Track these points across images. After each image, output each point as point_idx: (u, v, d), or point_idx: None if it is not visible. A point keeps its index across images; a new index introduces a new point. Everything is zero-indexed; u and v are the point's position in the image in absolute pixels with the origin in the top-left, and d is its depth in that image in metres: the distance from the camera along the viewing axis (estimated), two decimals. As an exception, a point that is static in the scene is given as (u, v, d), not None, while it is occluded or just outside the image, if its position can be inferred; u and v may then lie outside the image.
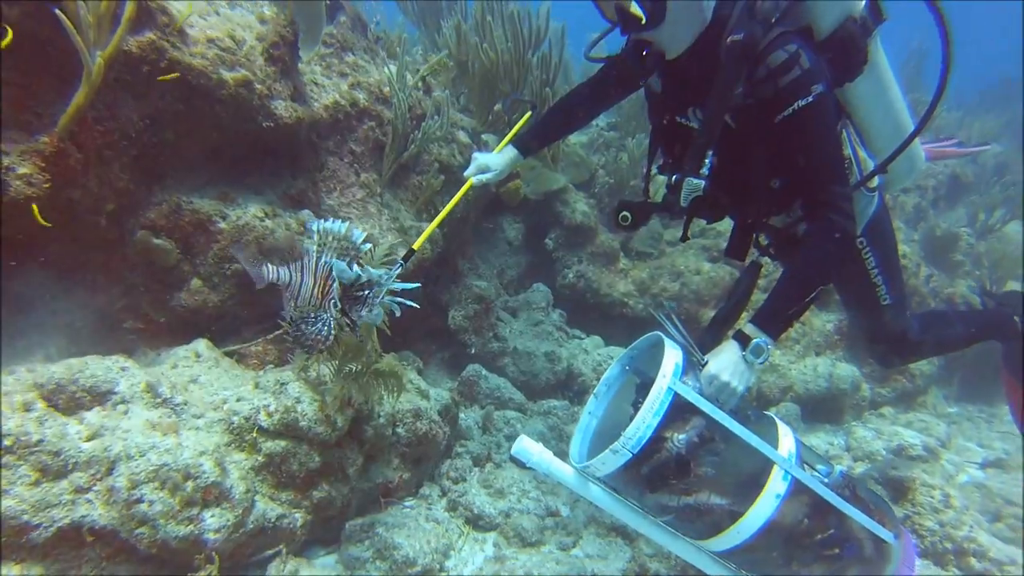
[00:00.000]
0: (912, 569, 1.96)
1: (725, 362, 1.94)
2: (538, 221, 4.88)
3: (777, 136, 2.03)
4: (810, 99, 1.95)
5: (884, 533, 1.95)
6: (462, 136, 3.75)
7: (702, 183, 2.14)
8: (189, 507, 2.18)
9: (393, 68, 3.68)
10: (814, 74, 1.95)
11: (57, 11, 2.00)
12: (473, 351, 4.03)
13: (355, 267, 2.04)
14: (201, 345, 2.68)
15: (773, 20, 2.01)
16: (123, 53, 2.30)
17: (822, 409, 4.60)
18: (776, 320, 2.02)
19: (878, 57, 2.25)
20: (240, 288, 2.82)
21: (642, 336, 2.16)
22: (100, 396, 2.28)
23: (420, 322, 3.92)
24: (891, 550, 1.98)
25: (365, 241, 2.10)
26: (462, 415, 3.60)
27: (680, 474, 1.88)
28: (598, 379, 4.11)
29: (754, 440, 1.87)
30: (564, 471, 1.99)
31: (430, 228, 2.37)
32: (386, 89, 3.40)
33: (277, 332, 2.89)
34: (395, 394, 2.71)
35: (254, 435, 2.40)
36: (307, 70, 3.09)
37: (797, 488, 1.87)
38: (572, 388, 4.16)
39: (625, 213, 2.42)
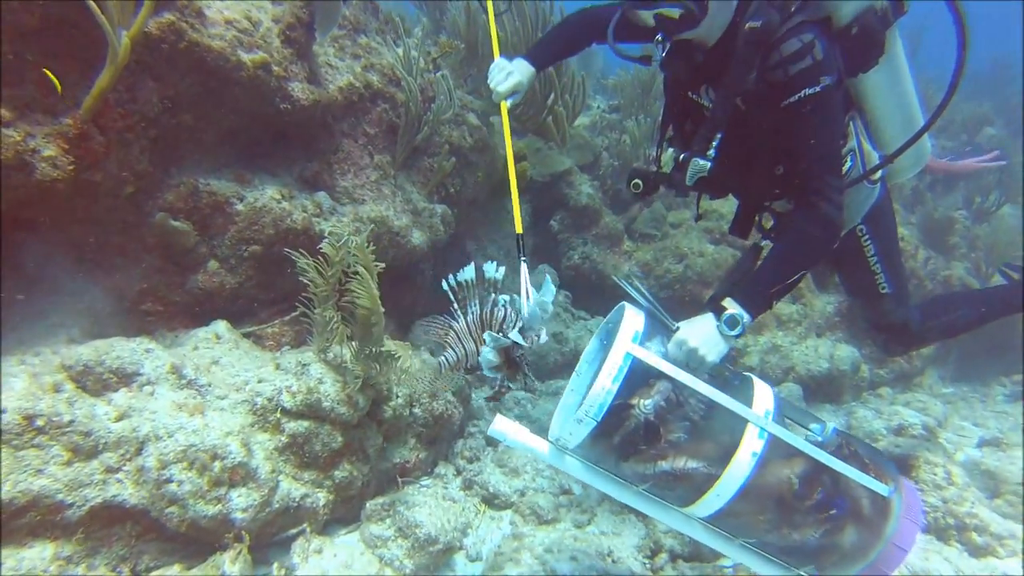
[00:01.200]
0: (918, 520, 1.93)
1: (696, 330, 1.93)
2: (543, 203, 4.90)
3: (782, 121, 2.07)
4: (817, 88, 1.98)
5: (879, 487, 1.89)
6: (472, 118, 3.75)
7: (708, 164, 2.18)
8: (217, 487, 2.21)
9: (403, 51, 3.68)
10: (825, 66, 1.98)
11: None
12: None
13: (509, 321, 1.98)
14: (221, 327, 2.70)
15: (793, 8, 2.05)
16: (143, 34, 2.29)
17: (823, 390, 4.68)
18: (756, 297, 2.02)
19: (895, 49, 2.28)
20: (257, 270, 2.83)
21: (615, 308, 2.13)
22: (127, 377, 2.30)
23: (431, 304, 3.94)
24: (890, 504, 1.92)
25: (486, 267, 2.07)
26: (473, 395, 3.64)
27: (651, 440, 1.86)
28: (605, 359, 4.16)
29: (723, 398, 1.83)
30: (540, 447, 1.98)
31: (516, 210, 2.29)
32: (399, 71, 3.39)
33: (294, 313, 2.90)
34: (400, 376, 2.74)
35: (277, 416, 2.43)
36: (321, 52, 3.08)
37: (780, 447, 1.84)
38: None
39: (637, 180, 2.45)
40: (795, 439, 1.86)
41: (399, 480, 2.90)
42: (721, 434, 1.86)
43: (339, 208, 3.06)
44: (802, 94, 1.98)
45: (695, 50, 2.08)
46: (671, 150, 2.48)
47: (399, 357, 2.71)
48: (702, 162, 2.18)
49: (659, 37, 2.05)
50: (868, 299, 2.71)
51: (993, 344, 6.37)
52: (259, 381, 2.48)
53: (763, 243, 2.54)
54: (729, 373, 2.00)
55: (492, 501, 3.05)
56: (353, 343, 2.64)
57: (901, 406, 4.54)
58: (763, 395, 1.90)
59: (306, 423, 2.48)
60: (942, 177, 7.88)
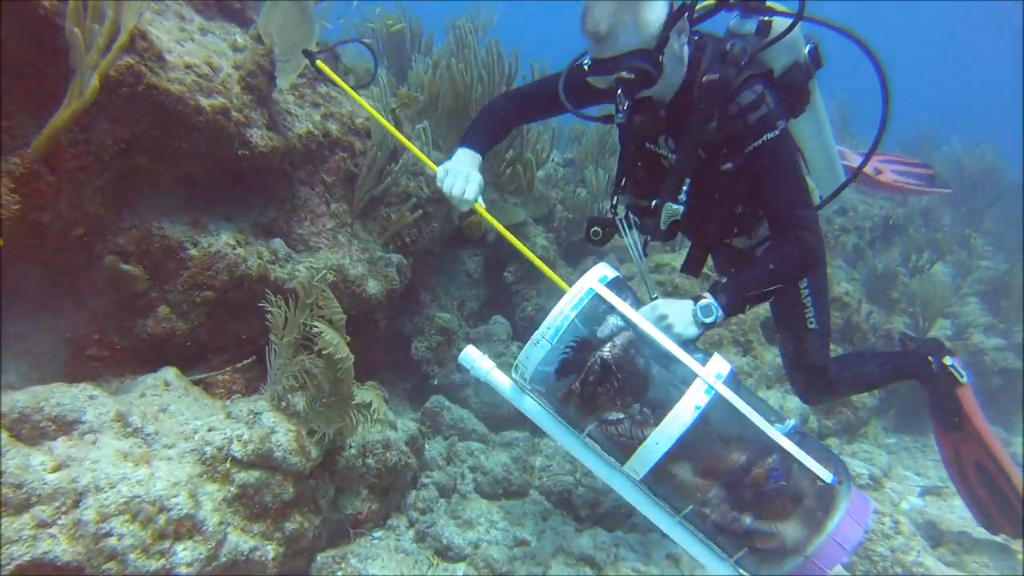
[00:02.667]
0: (863, 521, 1.90)
1: (673, 304, 2.04)
2: (498, 254, 4.93)
3: (746, 166, 2.24)
4: (776, 132, 2.19)
5: (823, 473, 1.85)
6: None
7: (680, 208, 2.33)
8: (161, 540, 2.12)
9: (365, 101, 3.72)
10: (777, 112, 2.20)
11: (71, 29, 1.99)
12: (436, 382, 4.03)
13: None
14: (170, 373, 2.63)
15: (743, 63, 2.21)
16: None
17: (772, 441, 4.73)
18: (732, 296, 2.14)
19: (817, 98, 2.56)
20: (209, 316, 2.78)
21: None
22: (67, 425, 2.21)
23: (382, 353, 3.90)
24: (835, 499, 1.91)
25: None
26: (426, 446, 3.59)
27: (604, 382, 1.89)
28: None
29: (675, 349, 1.88)
30: (501, 381, 2.05)
31: (528, 254, 2.39)
32: (358, 120, 3.42)
33: (246, 360, 2.85)
34: (374, 424, 2.70)
35: (227, 466, 2.36)
36: (281, 99, 3.10)
37: (727, 412, 1.86)
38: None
39: (596, 228, 2.58)
40: (741, 404, 1.85)
41: (351, 532, 2.83)
42: (669, 388, 1.89)
43: (295, 255, 3.04)
44: (764, 139, 2.18)
45: (656, 105, 2.21)
46: (619, 197, 2.64)
47: (373, 407, 2.68)
48: (675, 207, 2.33)
49: (619, 94, 2.13)
50: (795, 332, 2.80)
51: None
52: (209, 430, 2.41)
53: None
54: (692, 347, 2.03)
55: (445, 553, 2.98)
56: (308, 392, 2.59)
57: (848, 457, 4.63)
58: (720, 364, 1.91)
59: (257, 473, 2.41)
60: (880, 234, 8.21)
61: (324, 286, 2.48)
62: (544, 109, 2.68)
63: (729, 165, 2.26)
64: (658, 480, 1.90)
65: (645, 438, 1.84)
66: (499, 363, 4.19)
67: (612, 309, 1.92)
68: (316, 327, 2.45)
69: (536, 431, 4.13)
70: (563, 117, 2.83)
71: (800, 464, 1.86)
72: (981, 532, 3.91)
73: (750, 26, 2.34)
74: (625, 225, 2.47)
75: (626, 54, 2.05)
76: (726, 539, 1.93)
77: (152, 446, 2.28)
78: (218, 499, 2.31)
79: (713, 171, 2.31)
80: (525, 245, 4.74)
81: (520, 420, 4.12)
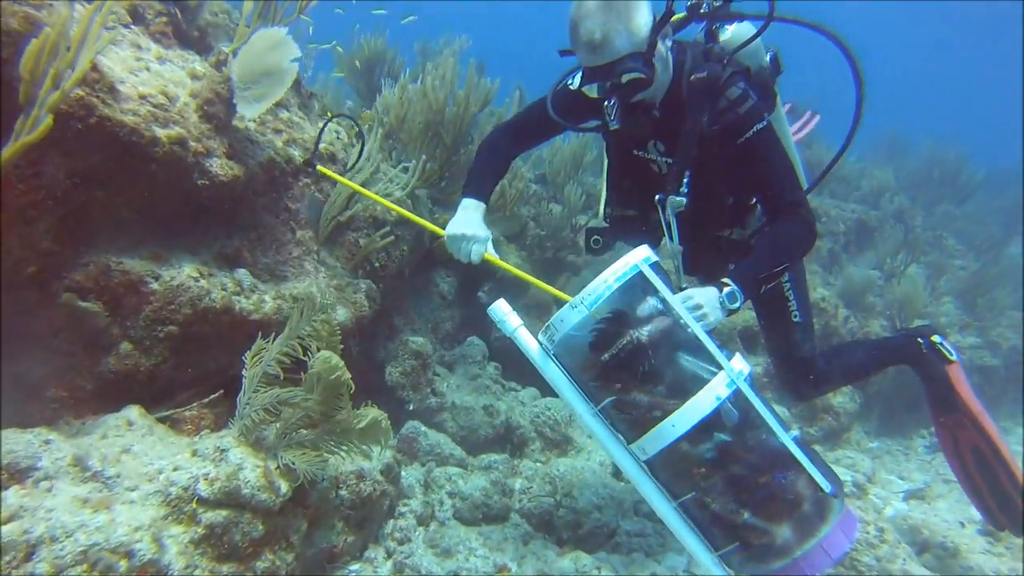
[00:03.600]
0: (850, 535, 1.98)
1: (702, 292, 2.12)
2: (471, 274, 4.90)
3: (738, 157, 2.42)
4: (764, 123, 2.37)
5: (823, 482, 1.94)
6: (396, 192, 3.75)
7: (684, 200, 2.45)
8: (124, 588, 2.05)
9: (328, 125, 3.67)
10: (762, 105, 2.41)
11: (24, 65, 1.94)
12: (411, 407, 3.97)
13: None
14: (133, 412, 2.55)
15: (726, 61, 2.40)
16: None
17: (754, 451, 4.72)
18: (749, 280, 2.24)
19: (778, 102, 2.76)
20: (174, 351, 2.71)
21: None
22: (20, 473, 2.12)
23: (355, 380, 3.83)
24: (828, 508, 1.98)
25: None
26: (403, 473, 3.53)
27: (635, 362, 1.92)
28: (536, 431, 4.13)
29: (707, 341, 1.96)
30: (528, 341, 2.06)
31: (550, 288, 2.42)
32: (321, 145, 3.38)
33: (214, 395, 2.78)
34: (380, 446, 2.68)
35: (193, 506, 2.28)
36: (241, 126, 3.05)
37: (743, 408, 1.94)
38: (511, 441, 4.13)
39: (596, 237, 2.79)
40: (758, 403, 1.94)
41: (326, 566, 2.76)
42: (693, 375, 1.96)
43: (260, 286, 2.98)
44: (754, 129, 2.36)
45: (650, 108, 2.34)
46: (611, 208, 2.82)
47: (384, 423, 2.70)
48: (678, 199, 2.45)
49: (607, 104, 2.28)
50: (780, 327, 2.90)
51: (912, 399, 6.61)
52: (174, 469, 2.34)
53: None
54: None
55: (425, 585, 2.92)
56: (278, 424, 2.53)
57: (831, 463, 4.61)
58: (741, 363, 2.00)
59: (225, 512, 2.34)
60: (854, 238, 8.27)
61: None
62: (539, 134, 2.83)
63: (721, 158, 2.44)
64: (665, 463, 1.96)
65: (662, 419, 1.89)
66: (474, 385, 4.19)
67: (652, 290, 1.98)
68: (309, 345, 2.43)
69: (516, 452, 4.09)
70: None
71: (804, 471, 1.95)
72: (965, 536, 3.92)
73: (699, 34, 2.60)
74: (661, 209, 2.53)
75: (621, 59, 2.17)
76: (720, 530, 1.97)
77: (113, 490, 2.20)
78: (184, 541, 2.24)
79: (708, 164, 2.47)
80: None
81: (498, 442, 4.08)
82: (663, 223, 2.57)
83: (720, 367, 1.94)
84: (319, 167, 2.89)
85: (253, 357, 2.54)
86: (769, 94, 2.65)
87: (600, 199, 2.98)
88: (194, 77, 2.89)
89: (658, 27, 2.21)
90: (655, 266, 2.03)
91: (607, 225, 2.85)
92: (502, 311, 2.09)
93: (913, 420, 6.61)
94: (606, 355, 1.94)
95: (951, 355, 3.02)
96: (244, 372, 2.53)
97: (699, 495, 1.96)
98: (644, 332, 1.92)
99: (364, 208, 3.38)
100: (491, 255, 2.54)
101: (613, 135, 2.62)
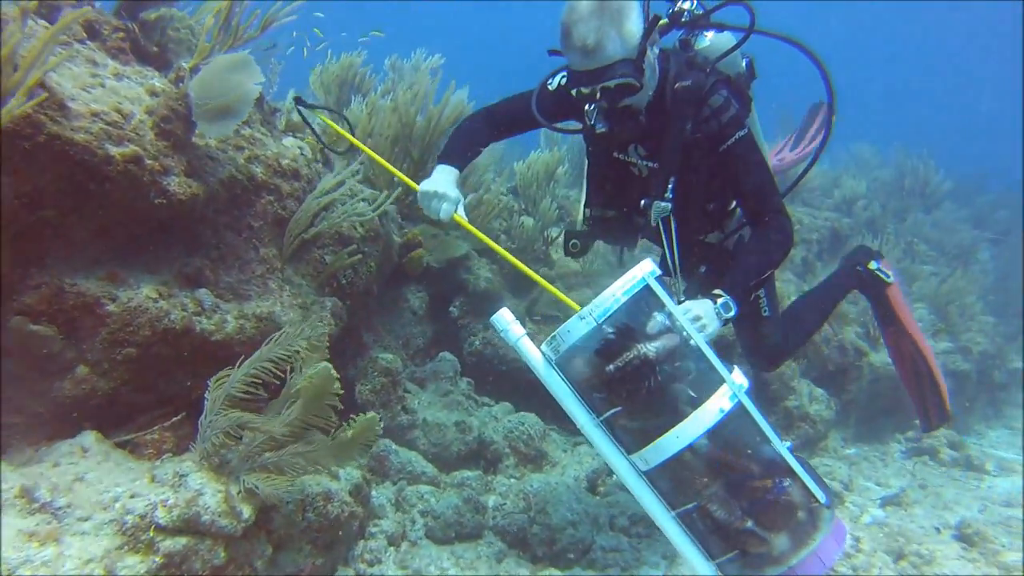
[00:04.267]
0: (841, 543, 2.05)
1: (700, 304, 2.18)
2: (442, 289, 4.86)
3: (720, 164, 2.50)
4: (744, 131, 2.45)
5: (818, 492, 2.02)
6: (362, 207, 3.71)
7: (668, 205, 2.52)
8: (74, 624, 1.97)
9: (289, 140, 3.63)
10: (743, 113, 2.49)
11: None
12: (382, 425, 3.91)
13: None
14: (88, 438, 2.48)
15: (708, 69, 2.47)
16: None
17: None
18: (740, 289, 2.33)
19: (752, 107, 2.84)
20: (133, 374, 2.64)
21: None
22: (-34, 506, 2.06)
23: (326, 398, 3.78)
24: (821, 517, 2.04)
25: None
26: (374, 493, 3.47)
27: (642, 376, 1.93)
28: (510, 446, 4.09)
29: (711, 354, 2.00)
30: (531, 351, 2.03)
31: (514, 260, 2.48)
32: (284, 162, 3.33)
33: (176, 417, 2.72)
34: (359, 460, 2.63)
35: (151, 534, 2.22)
36: (201, 143, 2.99)
37: (744, 420, 1.98)
38: (485, 457, 4.09)
39: (575, 241, 2.84)
40: (759, 416, 2.00)
41: (293, 592, 2.69)
42: (698, 389, 1.98)
43: (222, 305, 2.92)
44: (735, 137, 2.43)
45: (637, 113, 2.39)
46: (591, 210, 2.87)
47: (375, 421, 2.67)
48: (663, 204, 2.52)
49: (589, 107, 2.32)
50: (751, 323, 2.99)
51: (887, 405, 6.68)
52: (131, 496, 2.27)
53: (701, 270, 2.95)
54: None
55: (395, 608, 2.87)
56: (239, 447, 2.48)
57: (806, 473, 4.61)
58: (740, 376, 2.04)
59: (184, 540, 2.27)
60: (827, 246, 8.34)
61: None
62: (516, 127, 2.85)
63: (703, 164, 2.51)
64: (668, 473, 1.98)
65: (666, 431, 1.91)
66: (446, 401, 4.14)
67: (658, 303, 2.01)
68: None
69: (490, 468, 4.04)
70: (508, 146, 2.96)
71: (799, 480, 2.01)
72: (940, 541, 3.92)
73: (673, 42, 2.64)
74: (663, 226, 2.60)
75: (613, 64, 2.21)
76: (720, 539, 1.99)
77: (63, 521, 2.13)
78: (140, 572, 2.16)
79: (690, 170, 2.54)
80: (468, 278, 4.73)
81: (471, 458, 4.03)
82: (643, 226, 2.68)
83: (723, 379, 1.99)
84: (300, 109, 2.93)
85: (217, 380, 2.48)
86: (745, 100, 2.74)
87: (580, 201, 3.04)
88: (152, 94, 2.84)
89: (647, 34, 2.25)
90: (659, 280, 2.06)
91: (586, 228, 2.90)
92: (505, 320, 2.06)
93: (890, 425, 6.67)
94: (612, 366, 1.94)
95: (889, 278, 3.34)
96: (207, 394, 2.48)
97: (702, 503, 1.99)
98: (652, 348, 1.94)
99: (330, 225, 3.33)
100: (460, 217, 2.55)
101: (594, 138, 2.64)
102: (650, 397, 1.97)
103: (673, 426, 1.91)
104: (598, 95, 2.30)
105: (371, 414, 2.73)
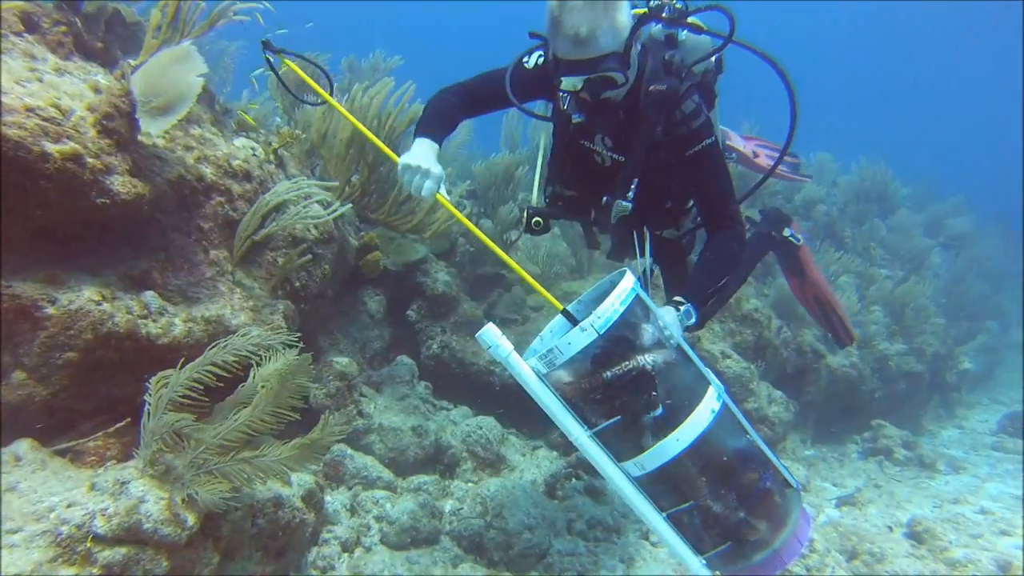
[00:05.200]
0: (808, 521, 2.17)
1: (665, 312, 2.18)
2: (399, 293, 4.82)
3: (684, 166, 2.53)
4: (712, 139, 2.50)
5: (791, 478, 2.17)
6: (316, 209, 3.65)
7: (629, 205, 2.57)
8: (4, 639, 1.90)
9: (240, 141, 3.56)
10: (712, 120, 2.56)
11: None
12: (342, 429, 3.85)
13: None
14: (23, 447, 2.40)
15: (684, 74, 2.48)
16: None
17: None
18: (699, 297, 2.38)
19: (717, 101, 2.94)
20: (75, 379, 2.56)
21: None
22: None
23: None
24: (793, 500, 2.18)
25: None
26: (328, 498, 3.42)
27: (640, 389, 1.97)
28: (468, 451, 4.06)
29: (697, 360, 2.09)
30: (521, 367, 1.97)
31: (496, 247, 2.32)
32: (235, 163, 3.27)
33: (120, 423, 2.64)
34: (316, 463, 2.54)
35: (88, 544, 2.14)
36: (148, 142, 2.92)
37: (728, 418, 2.09)
38: (442, 461, 4.05)
39: (538, 219, 2.79)
40: (740, 414, 2.13)
41: (241, 602, 2.63)
42: (690, 393, 2.05)
43: (169, 308, 2.85)
44: (703, 144, 2.48)
45: (616, 107, 2.40)
46: (550, 189, 2.89)
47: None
48: (624, 204, 2.57)
49: (563, 94, 2.38)
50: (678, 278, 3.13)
51: (844, 407, 6.79)
52: (67, 506, 2.20)
53: (653, 267, 3.05)
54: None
55: (346, 616, 2.82)
56: (187, 453, 2.41)
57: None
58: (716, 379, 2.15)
59: (124, 549, 2.20)
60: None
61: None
62: (487, 104, 2.81)
63: (668, 166, 2.55)
64: (660, 477, 2.02)
65: (663, 437, 1.96)
66: (403, 406, 4.10)
67: (645, 311, 2.04)
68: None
69: (447, 472, 4.01)
70: (470, 148, 2.94)
71: (775, 468, 2.15)
72: (892, 539, 3.98)
73: (658, 34, 2.64)
74: (637, 236, 2.76)
75: (604, 56, 2.20)
76: (715, 533, 2.07)
77: (-7, 532, 2.05)
78: (77, 583, 2.10)
79: (654, 170, 2.57)
80: (426, 281, 4.69)
81: (428, 463, 3.99)
82: (601, 220, 2.76)
83: (708, 383, 2.08)
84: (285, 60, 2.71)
85: (158, 382, 2.41)
86: (710, 95, 2.83)
87: (535, 180, 3.05)
88: (96, 90, 2.76)
89: (635, 29, 2.26)
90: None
91: (547, 206, 2.90)
92: (493, 336, 1.96)
93: (847, 427, 6.78)
94: (609, 374, 1.96)
95: (799, 242, 3.64)
96: (146, 397, 2.40)
97: (700, 501, 2.04)
98: (649, 359, 1.98)
99: (280, 226, 3.27)
100: (443, 196, 2.40)
101: (560, 122, 2.68)
102: (648, 406, 1.99)
103: (672, 430, 1.97)
104: (580, 86, 2.29)
105: (325, 416, 2.68)
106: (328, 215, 3.51)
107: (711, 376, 2.09)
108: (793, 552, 2.09)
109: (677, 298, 2.33)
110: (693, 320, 2.29)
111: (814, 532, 3.91)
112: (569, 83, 2.30)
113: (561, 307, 2.12)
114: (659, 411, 2.00)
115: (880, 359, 7.24)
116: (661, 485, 2.04)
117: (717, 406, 2.03)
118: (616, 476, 2.02)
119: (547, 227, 2.84)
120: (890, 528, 4.27)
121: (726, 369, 5.44)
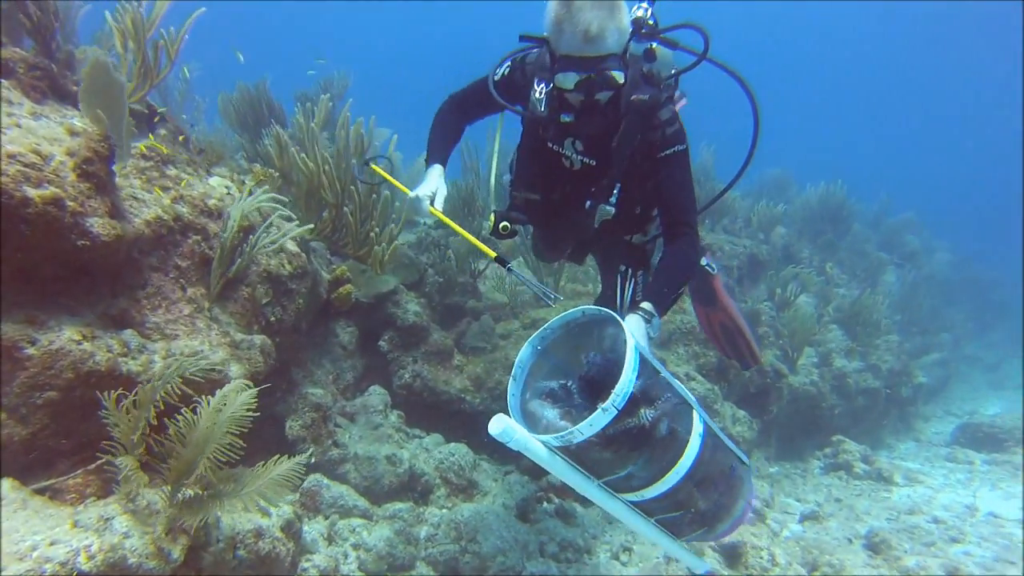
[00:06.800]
0: (754, 495, 2.41)
1: (634, 327, 2.26)
2: (371, 324, 4.90)
3: (654, 170, 2.64)
4: (684, 147, 2.64)
5: (743, 456, 2.35)
6: (290, 245, 3.75)
7: (612, 210, 2.70)
8: None
9: (215, 180, 3.65)
10: (684, 131, 2.66)
11: None
12: (313, 460, 3.92)
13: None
14: (3, 486, 2.43)
15: (662, 85, 2.60)
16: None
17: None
18: (662, 305, 2.43)
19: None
20: (54, 418, 2.61)
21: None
22: None
23: (254, 436, 3.76)
24: (747, 471, 2.37)
25: None
26: (306, 528, 3.47)
27: (638, 444, 1.98)
28: (441, 477, 4.14)
29: (683, 390, 2.12)
30: (537, 448, 1.94)
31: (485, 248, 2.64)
32: (210, 202, 3.35)
33: (100, 460, 2.69)
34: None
35: (73, 581, 2.20)
36: (126, 184, 3.00)
37: (708, 432, 2.15)
38: (416, 489, 4.13)
39: (505, 223, 2.87)
40: (714, 425, 2.23)
41: (222, 633, 2.68)
42: (683, 425, 2.09)
43: (148, 346, 2.91)
44: (674, 149, 2.61)
45: (606, 110, 2.49)
46: (514, 193, 2.97)
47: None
48: (608, 208, 2.70)
49: (536, 96, 2.53)
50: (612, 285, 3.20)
51: (807, 423, 6.98)
52: (50, 544, 2.24)
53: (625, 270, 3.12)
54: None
55: (326, 644, 2.88)
56: (167, 487, 2.47)
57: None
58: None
59: (109, 585, 2.25)
60: (747, 272, 8.69)
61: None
62: (480, 109, 3.00)
63: (641, 171, 2.66)
64: (661, 498, 2.08)
65: (663, 473, 2.02)
66: (377, 434, 4.17)
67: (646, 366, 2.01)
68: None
69: (421, 499, 4.08)
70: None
71: (730, 449, 2.29)
72: (851, 551, 4.13)
73: (638, 49, 2.64)
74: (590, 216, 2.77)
75: (608, 56, 2.31)
76: (698, 524, 2.23)
77: (-20, 572, 2.10)
78: (63, 620, 2.14)
79: (629, 176, 2.69)
80: (397, 312, 4.78)
81: (403, 490, 4.06)
82: (580, 223, 2.83)
83: (691, 406, 2.13)
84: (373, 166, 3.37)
85: (127, 414, 2.47)
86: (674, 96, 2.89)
87: (491, 185, 3.15)
88: (73, 134, 2.83)
89: (632, 33, 2.38)
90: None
91: (514, 211, 2.95)
92: (512, 429, 1.88)
93: (810, 444, 6.96)
94: (612, 430, 1.91)
95: (713, 271, 3.70)
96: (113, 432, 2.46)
97: (692, 508, 2.16)
98: (650, 414, 1.96)
99: (249, 258, 3.35)
100: (435, 209, 2.69)
101: (531, 125, 2.79)
102: (652, 455, 2.02)
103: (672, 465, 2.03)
104: (572, 86, 2.39)
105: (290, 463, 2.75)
106: (286, 234, 3.56)
107: (694, 402, 2.14)
108: (747, 515, 2.34)
109: (644, 305, 2.38)
110: (656, 331, 2.37)
111: (777, 546, 4.05)
112: (565, 80, 2.39)
113: (494, 254, 2.38)
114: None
115: (839, 376, 7.47)
116: (664, 504, 2.12)
117: (701, 428, 2.08)
118: (622, 512, 2.10)
119: (514, 232, 2.93)
120: (849, 540, 4.43)
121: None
